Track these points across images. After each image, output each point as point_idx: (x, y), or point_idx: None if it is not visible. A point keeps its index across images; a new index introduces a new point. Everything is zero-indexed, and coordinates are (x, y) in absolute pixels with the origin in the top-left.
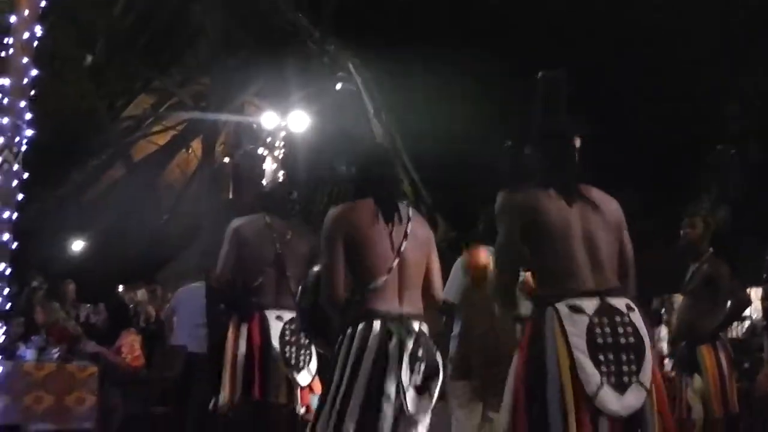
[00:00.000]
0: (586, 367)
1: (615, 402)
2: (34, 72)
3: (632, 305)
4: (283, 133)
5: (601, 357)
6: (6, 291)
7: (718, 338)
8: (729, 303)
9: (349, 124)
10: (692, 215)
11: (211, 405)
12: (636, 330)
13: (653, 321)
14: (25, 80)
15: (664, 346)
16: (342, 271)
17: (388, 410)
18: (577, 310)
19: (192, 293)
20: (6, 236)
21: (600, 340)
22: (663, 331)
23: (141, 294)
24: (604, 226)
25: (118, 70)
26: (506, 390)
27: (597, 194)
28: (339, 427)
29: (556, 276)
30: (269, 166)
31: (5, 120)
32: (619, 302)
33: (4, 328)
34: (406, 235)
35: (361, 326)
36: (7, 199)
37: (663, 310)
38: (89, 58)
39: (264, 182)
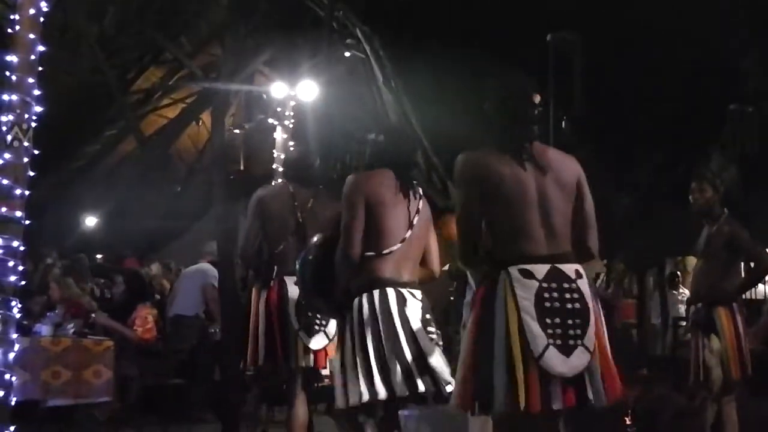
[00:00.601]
0: (533, 329)
1: (560, 364)
2: (42, 48)
3: (581, 271)
4: (292, 103)
5: (548, 320)
6: (20, 268)
7: (735, 300)
8: (752, 265)
9: (359, 91)
10: (699, 179)
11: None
12: (582, 296)
13: (670, 284)
14: (33, 56)
15: (681, 309)
16: (361, 230)
17: (407, 370)
18: (528, 274)
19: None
20: (18, 213)
21: (548, 305)
22: (681, 293)
23: (155, 268)
24: (559, 189)
25: (128, 39)
26: (461, 348)
27: (553, 155)
28: (366, 384)
29: (510, 240)
30: (280, 136)
31: (14, 97)
32: (569, 268)
33: (20, 305)
34: (418, 211)
35: (376, 292)
36: (19, 176)
37: (678, 273)
38: (99, 29)
39: (275, 153)
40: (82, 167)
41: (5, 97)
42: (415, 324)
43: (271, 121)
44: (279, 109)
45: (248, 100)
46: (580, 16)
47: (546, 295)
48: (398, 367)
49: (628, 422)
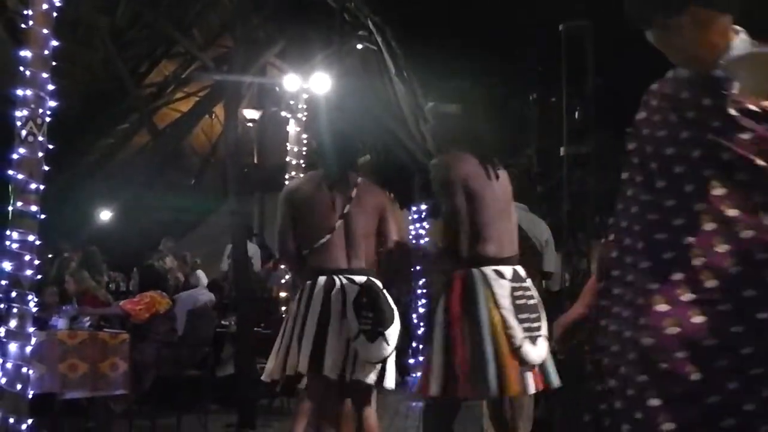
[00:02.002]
0: (513, 325)
1: (532, 353)
2: (55, 43)
3: (525, 272)
4: (305, 96)
5: (521, 316)
6: (36, 262)
7: None
8: None
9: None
10: None
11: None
12: (533, 294)
13: None
14: (46, 51)
15: None
16: (289, 232)
17: (335, 350)
18: (500, 275)
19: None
20: (33, 208)
21: (519, 302)
22: None
23: (170, 261)
24: (506, 197)
25: (140, 33)
26: (436, 335)
27: (494, 164)
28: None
29: (481, 241)
30: (293, 128)
31: (28, 92)
32: (521, 269)
33: (36, 298)
34: (349, 199)
35: (309, 282)
36: (34, 171)
37: None
38: (111, 23)
39: (288, 145)
40: (96, 161)
41: (20, 92)
42: (336, 308)
43: (284, 113)
44: (292, 102)
45: (261, 93)
46: (593, 4)
47: (516, 293)
48: (297, 347)
49: None
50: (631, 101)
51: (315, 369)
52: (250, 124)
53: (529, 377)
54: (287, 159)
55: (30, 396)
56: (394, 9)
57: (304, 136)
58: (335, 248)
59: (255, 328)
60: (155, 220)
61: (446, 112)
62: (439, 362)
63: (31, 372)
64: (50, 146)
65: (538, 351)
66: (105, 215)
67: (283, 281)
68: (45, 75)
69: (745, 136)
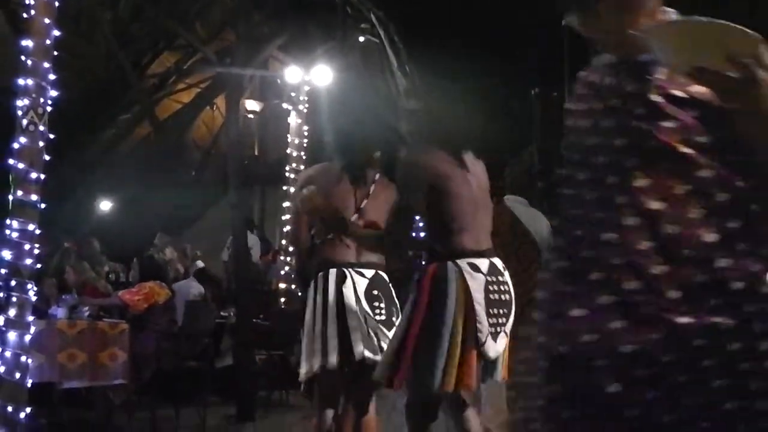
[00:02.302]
0: (482, 319)
1: (492, 348)
2: (57, 33)
3: (504, 265)
4: (307, 88)
5: (491, 311)
6: (35, 251)
7: None
8: None
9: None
10: None
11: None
12: (509, 288)
13: None
14: (48, 41)
15: None
16: (303, 223)
17: (357, 339)
18: (475, 268)
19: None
20: (34, 197)
21: (493, 297)
22: None
23: (170, 252)
24: (482, 190)
25: (142, 25)
26: (400, 324)
27: (468, 157)
28: (323, 360)
29: (456, 235)
30: (294, 121)
31: (30, 81)
32: (499, 262)
33: (35, 288)
34: (368, 195)
35: (320, 274)
36: (34, 161)
37: None
38: (114, 14)
39: (289, 138)
40: (97, 152)
41: (21, 81)
42: (350, 301)
43: (285, 106)
44: (293, 94)
45: (263, 85)
46: None
47: (491, 288)
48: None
49: None
50: None
51: (344, 362)
52: (252, 116)
53: (479, 372)
54: (288, 151)
55: (29, 385)
56: (397, 5)
57: (305, 128)
58: (348, 241)
59: (254, 320)
60: (156, 212)
61: (411, 110)
62: (390, 350)
63: (29, 361)
64: (51, 136)
65: (496, 347)
66: (106, 206)
67: (282, 272)
68: (46, 65)
69: (669, 123)
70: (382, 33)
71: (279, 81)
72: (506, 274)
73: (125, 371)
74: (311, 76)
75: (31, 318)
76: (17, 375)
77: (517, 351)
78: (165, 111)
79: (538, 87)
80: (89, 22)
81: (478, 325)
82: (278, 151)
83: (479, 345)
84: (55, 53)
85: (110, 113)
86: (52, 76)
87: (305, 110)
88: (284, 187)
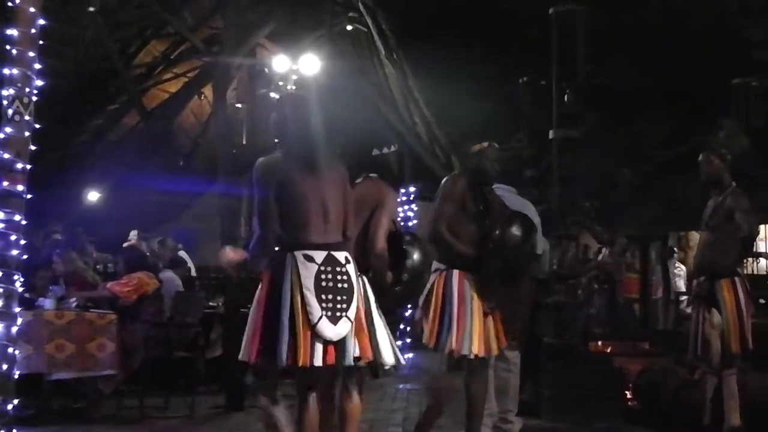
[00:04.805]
0: (311, 302)
1: (329, 330)
2: (42, 21)
3: (349, 258)
4: (294, 77)
5: (323, 296)
6: (22, 242)
7: (737, 274)
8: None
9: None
10: (706, 150)
11: None
12: (350, 278)
13: (670, 256)
14: (33, 30)
15: (680, 282)
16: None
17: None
18: (310, 259)
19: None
20: (20, 187)
21: (324, 284)
22: (678, 268)
23: (153, 243)
24: (334, 192)
25: (130, 13)
26: (251, 313)
27: (338, 166)
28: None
29: (296, 230)
30: None
31: (15, 71)
32: (340, 255)
33: (23, 279)
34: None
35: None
36: (21, 150)
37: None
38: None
39: None
40: (85, 142)
41: (6, 71)
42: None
43: (273, 94)
44: (281, 83)
45: (250, 74)
46: None
47: (323, 276)
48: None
49: (629, 396)
50: (620, 87)
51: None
52: (239, 105)
53: (319, 350)
54: (276, 140)
55: (16, 376)
56: None
57: None
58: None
59: (242, 310)
60: (144, 201)
61: (273, 121)
62: (246, 330)
63: (17, 352)
64: (38, 126)
65: (337, 329)
66: (94, 196)
67: None
68: (32, 54)
69: None
70: (370, 21)
71: (267, 70)
72: (348, 266)
73: (114, 361)
74: (299, 65)
75: (18, 309)
76: (5, 366)
77: None
78: (153, 100)
79: (528, 75)
80: (76, 8)
81: (308, 308)
82: (267, 140)
83: (312, 325)
84: (41, 42)
85: (97, 102)
86: (37, 66)
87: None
88: None
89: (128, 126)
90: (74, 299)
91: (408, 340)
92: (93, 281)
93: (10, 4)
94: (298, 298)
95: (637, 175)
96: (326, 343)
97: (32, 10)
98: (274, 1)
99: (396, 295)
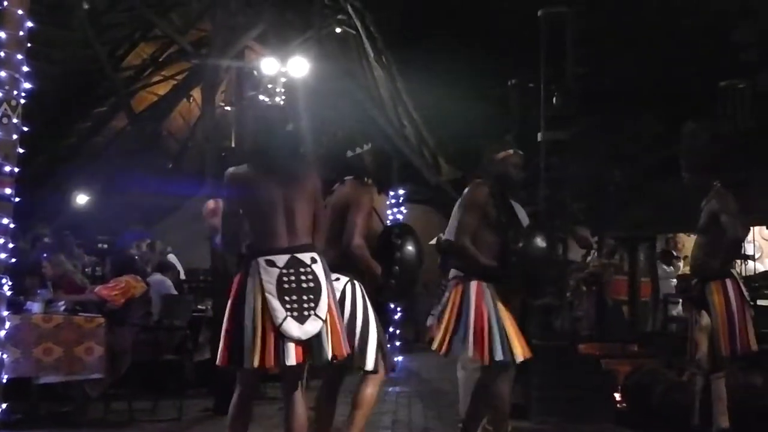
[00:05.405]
0: (274, 306)
1: (296, 330)
2: (30, 24)
3: (316, 258)
4: (283, 80)
5: (287, 298)
6: (10, 245)
7: (728, 276)
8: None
9: (351, 67)
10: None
11: None
12: (316, 277)
13: (664, 258)
14: (21, 32)
15: (672, 284)
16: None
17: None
18: (271, 264)
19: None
20: (8, 191)
21: (287, 286)
22: (669, 269)
23: (143, 246)
24: (301, 197)
25: (118, 15)
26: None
27: (303, 171)
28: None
29: (260, 236)
30: None
31: (2, 73)
32: (305, 256)
33: (10, 282)
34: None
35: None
36: (8, 153)
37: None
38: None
39: None
40: (73, 145)
41: None
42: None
43: (262, 97)
44: (270, 86)
45: (239, 77)
46: None
47: (285, 278)
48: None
49: (618, 398)
50: (609, 89)
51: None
52: (228, 108)
53: (290, 350)
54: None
55: (4, 380)
56: None
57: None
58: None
59: None
60: (133, 204)
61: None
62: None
63: (5, 356)
64: (26, 129)
65: (305, 328)
66: (82, 199)
67: None
68: (20, 56)
69: None
70: (358, 23)
71: (255, 73)
72: (315, 266)
73: (102, 365)
74: (288, 68)
75: (6, 313)
76: None
77: None
78: (141, 103)
79: (516, 77)
80: (65, 11)
81: (270, 311)
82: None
83: (277, 326)
84: (29, 45)
85: (86, 104)
86: (26, 68)
87: (282, 102)
88: None
89: (116, 128)
90: (62, 303)
91: (398, 343)
92: (82, 284)
93: None
94: (259, 303)
95: (626, 176)
96: (299, 342)
97: (20, 12)
98: (262, 4)
99: (391, 289)
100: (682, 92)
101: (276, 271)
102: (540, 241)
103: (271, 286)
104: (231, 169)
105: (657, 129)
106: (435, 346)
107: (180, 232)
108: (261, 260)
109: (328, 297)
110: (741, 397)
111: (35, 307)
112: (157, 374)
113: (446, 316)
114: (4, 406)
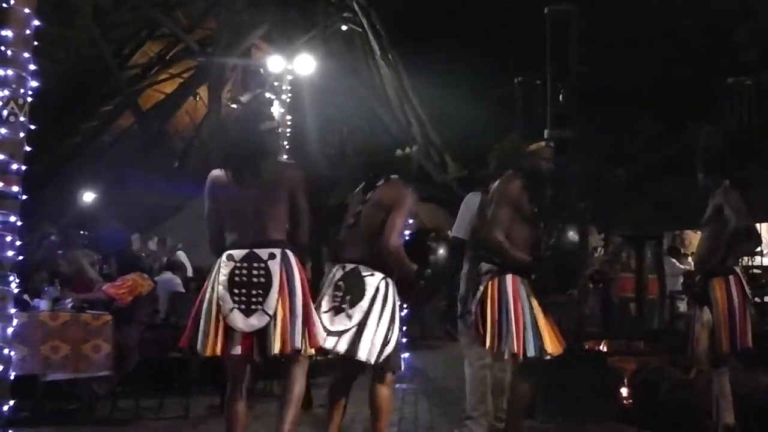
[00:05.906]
0: (223, 296)
1: (241, 322)
2: (37, 23)
3: (275, 253)
4: (289, 77)
5: (236, 290)
6: (17, 243)
7: (731, 272)
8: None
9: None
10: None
11: None
12: (268, 272)
13: (673, 254)
14: (28, 31)
15: (679, 281)
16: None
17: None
18: (230, 258)
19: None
20: (15, 188)
21: (237, 279)
22: (676, 266)
23: (152, 244)
24: (272, 196)
25: (124, 14)
26: None
27: (274, 169)
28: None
29: (228, 234)
30: (277, 110)
31: (9, 72)
32: (263, 252)
33: (18, 280)
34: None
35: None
36: (15, 152)
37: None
38: (95, 4)
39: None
40: (80, 143)
41: (0, 72)
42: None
43: (267, 95)
44: (276, 83)
45: (245, 75)
46: None
47: (237, 272)
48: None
49: (624, 395)
50: (609, 88)
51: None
52: (234, 106)
53: (236, 340)
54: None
55: (12, 378)
56: None
57: (289, 117)
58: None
59: None
60: (139, 202)
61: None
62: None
63: (12, 354)
64: (32, 127)
65: (250, 321)
66: (88, 197)
67: None
68: (26, 55)
69: None
70: (364, 21)
71: (261, 70)
72: (270, 262)
73: (109, 363)
74: (294, 66)
75: (13, 310)
76: (0, 368)
77: None
78: (148, 101)
79: (522, 75)
80: (70, 10)
81: (220, 301)
82: None
83: (224, 317)
84: (36, 43)
85: (92, 103)
86: (32, 67)
87: (288, 100)
88: None
89: (122, 127)
90: (69, 300)
91: (405, 340)
92: (96, 280)
93: (4, 5)
94: (215, 294)
95: (630, 174)
96: (246, 334)
97: (27, 11)
98: (267, 2)
99: (419, 290)
100: (682, 92)
101: (232, 264)
102: (572, 235)
103: (224, 278)
104: (213, 172)
105: (657, 129)
106: (487, 343)
107: (185, 230)
108: (224, 255)
109: (280, 293)
110: (746, 394)
111: (42, 304)
112: (163, 372)
113: (488, 313)
114: (12, 403)
